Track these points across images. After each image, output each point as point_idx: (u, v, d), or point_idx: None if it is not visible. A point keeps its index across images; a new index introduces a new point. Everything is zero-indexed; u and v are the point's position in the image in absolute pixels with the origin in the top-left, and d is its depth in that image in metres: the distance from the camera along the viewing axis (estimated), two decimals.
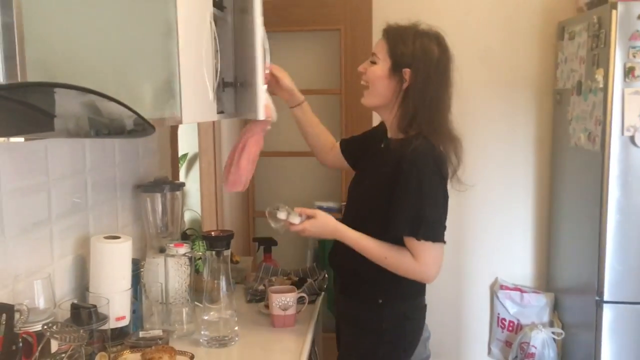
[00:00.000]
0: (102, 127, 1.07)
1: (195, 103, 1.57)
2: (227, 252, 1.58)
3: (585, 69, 2.61)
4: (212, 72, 1.70)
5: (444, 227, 1.57)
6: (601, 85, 2.43)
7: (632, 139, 2.39)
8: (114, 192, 1.78)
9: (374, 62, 1.62)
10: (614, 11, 2.35)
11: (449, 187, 1.64)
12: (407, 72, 1.58)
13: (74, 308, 1.39)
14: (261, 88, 1.66)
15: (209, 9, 1.67)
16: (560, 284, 3.05)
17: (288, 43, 3.16)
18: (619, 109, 2.39)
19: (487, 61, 3.12)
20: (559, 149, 3.02)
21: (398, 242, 1.58)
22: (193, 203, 3.67)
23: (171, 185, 1.92)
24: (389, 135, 1.69)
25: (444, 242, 1.57)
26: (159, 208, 1.92)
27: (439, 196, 1.57)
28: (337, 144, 1.96)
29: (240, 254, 2.80)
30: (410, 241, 1.55)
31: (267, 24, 3.03)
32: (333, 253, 1.75)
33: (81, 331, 1.14)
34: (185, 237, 2.15)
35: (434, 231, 1.54)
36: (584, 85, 2.62)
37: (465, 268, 3.29)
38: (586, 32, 2.59)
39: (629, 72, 2.36)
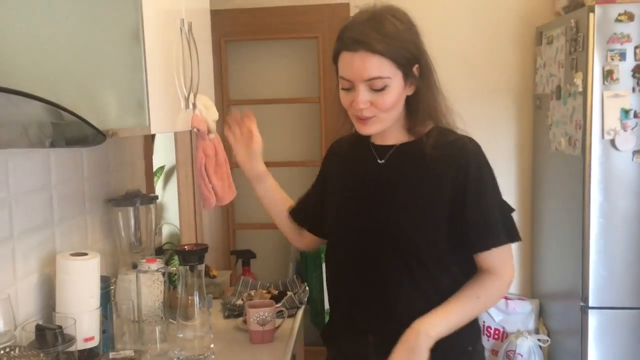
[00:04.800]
0: (60, 136, 1.02)
1: (166, 112, 1.52)
2: (201, 267, 1.51)
3: (564, 73, 2.60)
4: (183, 80, 1.64)
5: None
6: (580, 89, 2.42)
7: (612, 142, 2.38)
8: (83, 206, 1.71)
9: (379, 89, 1.23)
10: (591, 14, 2.34)
11: None
12: (417, 68, 1.28)
13: (39, 330, 1.31)
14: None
15: (179, 14, 1.62)
16: (545, 290, 3.02)
17: (266, 51, 3.12)
18: (598, 112, 2.37)
19: (466, 68, 3.10)
20: (540, 154, 3.00)
21: (463, 260, 1.32)
22: (171, 216, 3.59)
23: (143, 198, 1.86)
24: (384, 142, 1.35)
25: None
26: (132, 222, 1.85)
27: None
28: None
29: (220, 267, 2.73)
30: (493, 252, 1.29)
31: (245, 32, 3.01)
32: (394, 313, 1.31)
33: (41, 354, 1.07)
34: (160, 252, 2.08)
35: (515, 227, 1.34)
36: (563, 90, 2.60)
37: None
38: (564, 36, 2.58)
39: (607, 75, 2.34)
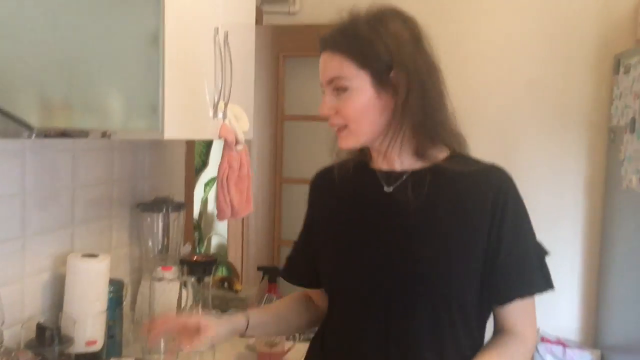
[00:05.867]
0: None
1: (186, 118, 1.49)
2: (207, 279, 1.47)
3: (639, 104, 2.37)
4: (214, 87, 1.61)
5: None
6: None
7: None
8: (109, 209, 1.72)
9: (341, 90, 1.10)
10: None
11: None
12: (394, 75, 1.08)
13: (39, 328, 1.31)
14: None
15: (212, 23, 1.60)
16: (609, 341, 2.74)
17: (313, 69, 3.08)
18: None
19: (534, 96, 2.92)
20: (612, 192, 2.76)
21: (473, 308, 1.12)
22: (221, 228, 3.62)
23: (172, 205, 1.84)
24: (391, 167, 1.16)
25: None
26: (158, 229, 1.84)
27: None
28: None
29: (257, 283, 2.68)
30: (520, 306, 1.12)
31: (303, 48, 2.98)
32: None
33: (13, 353, 1.05)
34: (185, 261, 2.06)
35: (550, 275, 1.16)
36: (638, 122, 2.37)
37: None
38: None
39: None
